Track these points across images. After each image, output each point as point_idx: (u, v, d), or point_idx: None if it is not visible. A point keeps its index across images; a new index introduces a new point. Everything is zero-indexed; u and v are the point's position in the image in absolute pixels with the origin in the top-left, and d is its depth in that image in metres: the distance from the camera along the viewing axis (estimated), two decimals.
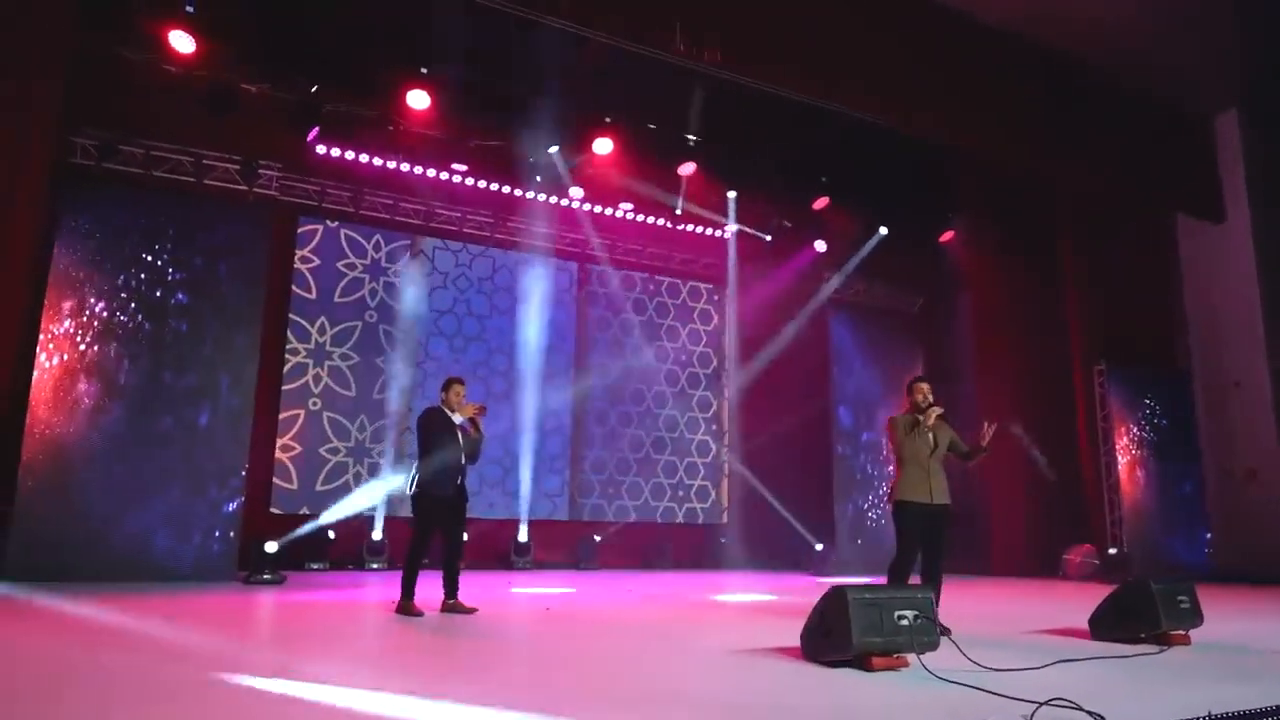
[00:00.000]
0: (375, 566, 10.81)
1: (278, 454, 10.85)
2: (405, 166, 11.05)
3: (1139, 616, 5.32)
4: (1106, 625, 5.53)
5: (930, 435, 5.85)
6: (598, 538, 12.09)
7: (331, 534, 10.52)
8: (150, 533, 8.38)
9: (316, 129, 10.07)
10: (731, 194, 11.46)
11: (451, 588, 6.39)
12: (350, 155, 10.86)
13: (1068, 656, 4.62)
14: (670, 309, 13.78)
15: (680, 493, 13.39)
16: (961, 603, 8.38)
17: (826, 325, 12.75)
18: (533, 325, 12.39)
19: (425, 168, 11.06)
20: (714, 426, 13.79)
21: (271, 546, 8.78)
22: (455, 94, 9.50)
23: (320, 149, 10.79)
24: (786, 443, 13.26)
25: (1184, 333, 12.65)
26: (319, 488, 11.01)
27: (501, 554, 11.78)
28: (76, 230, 8.38)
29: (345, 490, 11.10)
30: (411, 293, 11.72)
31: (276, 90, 9.52)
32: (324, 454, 11.20)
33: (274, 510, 10.71)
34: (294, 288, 11.12)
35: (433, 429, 6.34)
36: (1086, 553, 11.50)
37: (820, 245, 13.06)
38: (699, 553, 13.07)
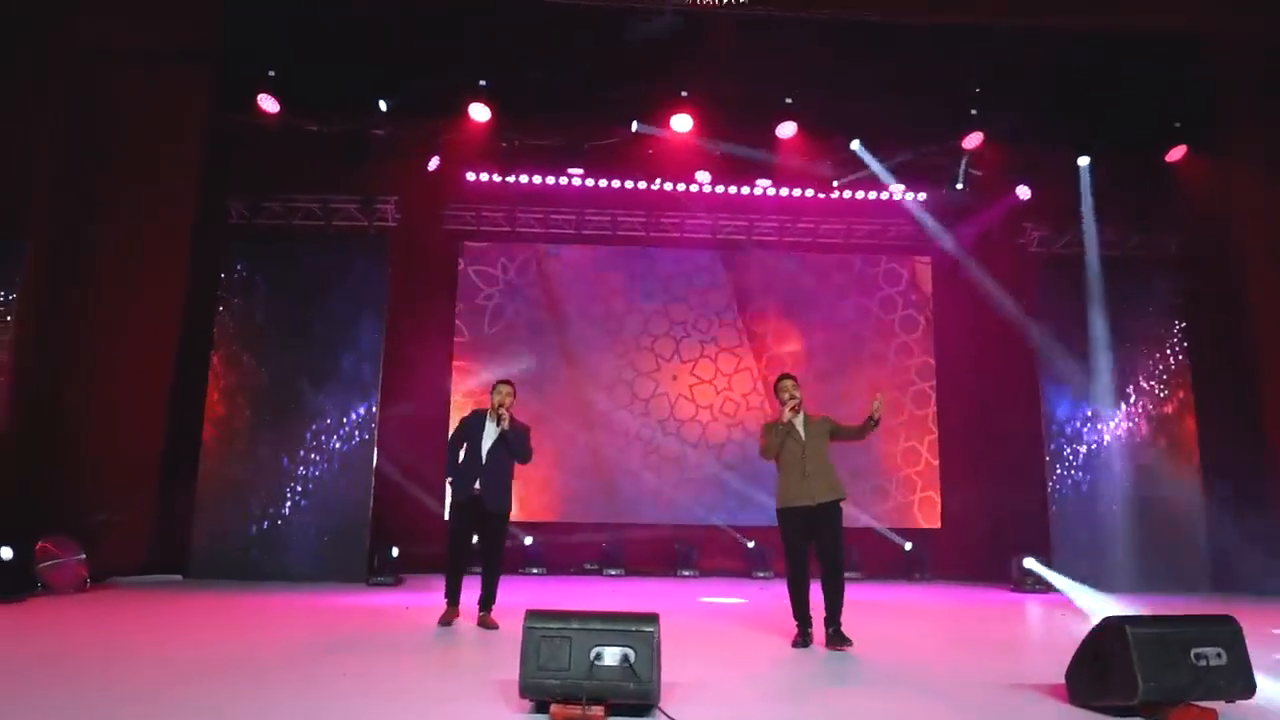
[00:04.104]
0: (535, 572, 11.06)
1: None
2: (549, 180, 11.31)
3: (1115, 677, 3.54)
4: (1083, 685, 3.78)
5: (800, 433, 5.55)
6: (750, 543, 11.17)
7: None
8: (293, 537, 9.52)
9: (437, 158, 10.72)
10: (856, 143, 9.81)
11: (484, 600, 6.16)
12: (498, 178, 11.44)
13: None
14: (852, 288, 12.29)
15: (879, 495, 11.83)
16: (1042, 625, 6.39)
17: (1033, 291, 10.44)
18: (701, 316, 12.00)
19: (546, 176, 11.20)
20: (918, 421, 11.98)
21: (394, 551, 9.49)
22: (543, 98, 9.52)
23: (470, 175, 11.51)
24: (995, 437, 11.21)
25: None
26: (535, 501, 11.46)
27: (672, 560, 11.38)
28: (238, 277, 9.90)
29: (562, 494, 11.53)
30: (562, 295, 11.94)
31: (403, 129, 10.37)
32: (528, 470, 11.66)
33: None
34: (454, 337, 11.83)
35: (455, 433, 6.31)
36: None
37: (1023, 191, 10.75)
38: (897, 564, 11.39)
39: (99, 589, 7.86)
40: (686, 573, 11.14)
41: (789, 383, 5.64)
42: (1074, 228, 10.35)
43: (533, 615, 3.39)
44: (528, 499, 11.49)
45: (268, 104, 9.11)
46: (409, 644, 5.44)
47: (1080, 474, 9.99)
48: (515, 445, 6.10)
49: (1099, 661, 3.64)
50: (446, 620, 6.08)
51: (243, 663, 4.54)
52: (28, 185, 7.61)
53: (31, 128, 7.71)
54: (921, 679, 4.54)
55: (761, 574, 11.06)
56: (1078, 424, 10.09)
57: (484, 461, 6.02)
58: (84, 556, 7.71)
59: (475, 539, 6.27)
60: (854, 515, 11.65)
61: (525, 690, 3.30)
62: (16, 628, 5.69)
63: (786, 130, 9.47)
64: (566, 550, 11.38)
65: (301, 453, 9.67)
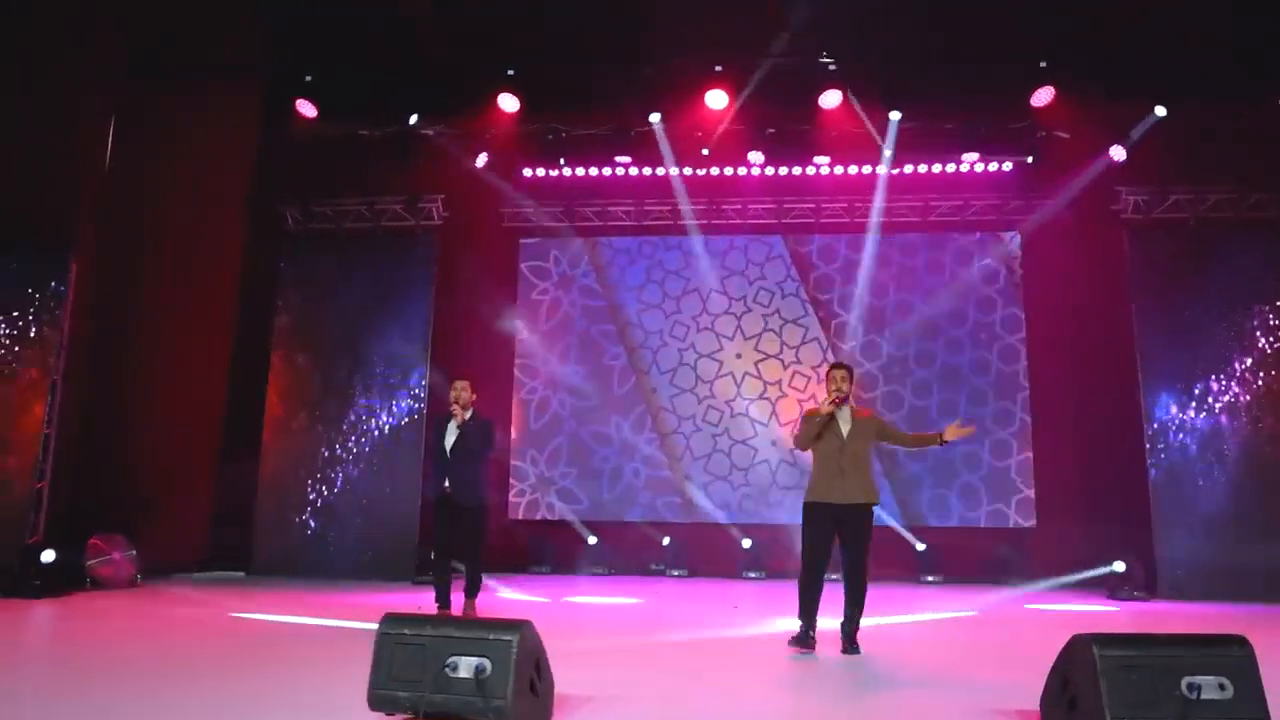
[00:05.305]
0: (598, 572, 10.81)
1: (560, 482, 11.28)
2: (593, 171, 11.09)
3: (1083, 708, 2.88)
4: (1055, 716, 3.10)
5: (841, 428, 5.24)
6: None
7: (531, 538, 10.87)
8: (348, 536, 9.64)
9: (485, 154, 10.65)
10: (895, 115, 8.99)
11: (468, 591, 6.30)
12: (554, 173, 11.30)
13: None
14: (931, 265, 11.34)
15: (965, 491, 10.87)
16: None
17: (1128, 261, 9.30)
18: (761, 290, 11.47)
19: (602, 168, 10.94)
20: (1009, 408, 10.92)
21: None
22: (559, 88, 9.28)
23: (526, 171, 11.41)
24: (1094, 425, 10.08)
25: None
26: (606, 496, 11.25)
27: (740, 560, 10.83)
28: (293, 281, 10.19)
29: (633, 489, 11.22)
30: (616, 283, 11.66)
31: (450, 127, 10.41)
32: (597, 465, 11.52)
33: (522, 517, 11.37)
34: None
35: (431, 438, 6.61)
36: None
37: (1117, 152, 9.62)
38: (985, 567, 10.41)
39: (154, 586, 8.12)
40: (753, 574, 10.59)
41: (838, 374, 5.32)
42: (1177, 189, 9.14)
43: (390, 619, 3.08)
44: (595, 495, 11.25)
45: (308, 109, 9.28)
46: (360, 642, 5.25)
47: (1188, 463, 8.77)
48: (473, 440, 6.21)
49: (1068, 689, 2.98)
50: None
51: (159, 660, 4.48)
52: (76, 193, 7.96)
53: (82, 138, 8.06)
54: (899, 698, 3.98)
55: (834, 576, 10.34)
56: (1185, 404, 8.86)
57: (450, 459, 6.15)
58: (134, 553, 8.00)
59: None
60: (936, 513, 10.78)
61: (374, 702, 2.99)
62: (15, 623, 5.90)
63: (831, 99, 8.78)
64: (631, 550, 11.03)
65: (354, 450, 9.78)
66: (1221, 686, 2.77)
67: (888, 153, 9.35)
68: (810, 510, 5.24)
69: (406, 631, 3.02)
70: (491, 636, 2.95)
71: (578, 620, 6.69)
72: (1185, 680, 2.78)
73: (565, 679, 3.76)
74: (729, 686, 4.23)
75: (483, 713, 2.88)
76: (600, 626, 6.40)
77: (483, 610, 6.27)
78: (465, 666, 2.93)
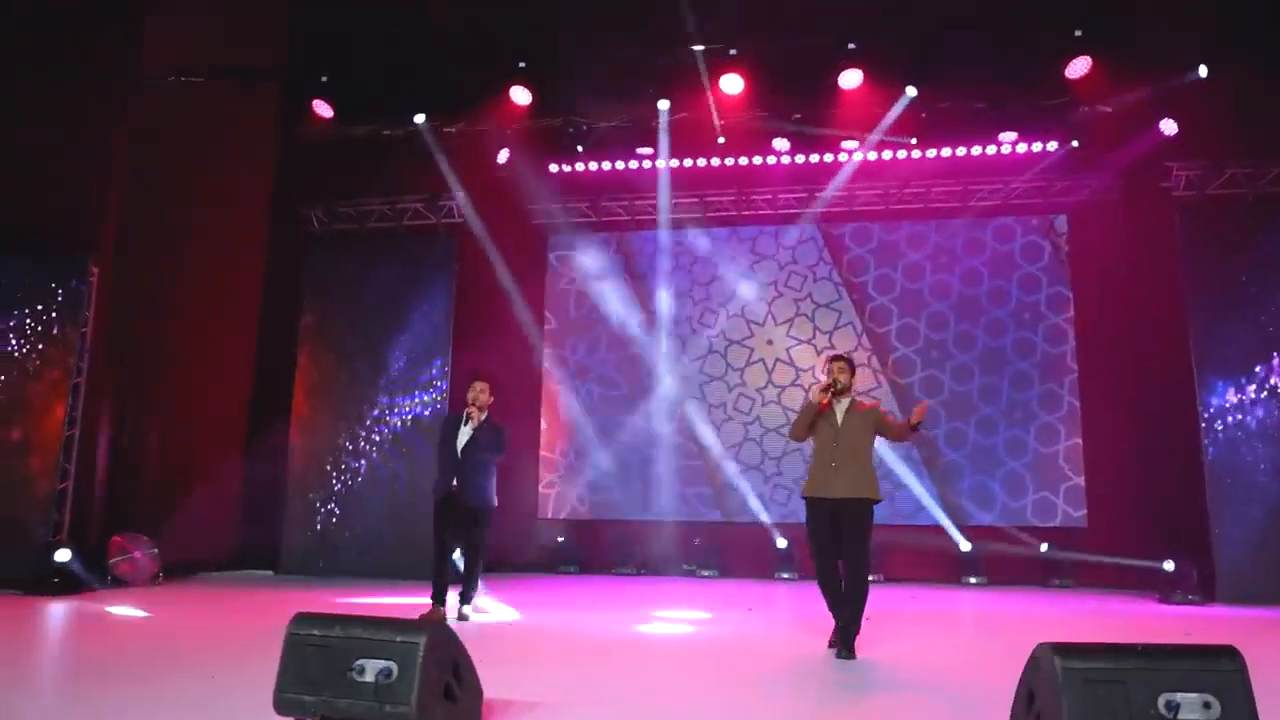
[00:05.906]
0: (626, 571, 10.61)
1: (588, 473, 11.22)
2: (622, 165, 10.89)
3: None
4: None
5: (836, 419, 5.06)
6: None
7: (561, 539, 10.78)
8: (374, 535, 9.61)
9: (507, 150, 10.55)
10: (910, 90, 8.48)
11: (463, 594, 6.28)
12: (580, 166, 11.15)
13: None
14: (972, 249, 10.85)
15: (1012, 484, 10.34)
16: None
17: (1179, 241, 8.68)
18: (793, 274, 11.20)
19: (629, 161, 10.75)
20: (1056, 397, 10.35)
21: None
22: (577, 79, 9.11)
23: (552, 167, 11.27)
24: (1148, 417, 9.48)
25: None
26: (636, 486, 11.09)
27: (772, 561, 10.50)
28: (319, 281, 10.23)
29: (663, 479, 11.03)
30: (645, 270, 11.52)
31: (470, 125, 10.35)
32: (626, 456, 11.35)
33: (550, 515, 11.27)
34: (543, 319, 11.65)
35: (439, 435, 6.52)
36: None
37: (1168, 126, 9.00)
38: (1033, 567, 9.88)
39: (177, 585, 8.19)
40: (786, 575, 10.26)
41: (836, 365, 5.19)
42: (1232, 164, 8.50)
43: (300, 619, 2.92)
44: (624, 486, 11.06)
45: (324, 110, 9.31)
46: None
47: (1248, 449, 8.10)
48: (485, 444, 6.14)
49: (1033, 705, 2.65)
50: (432, 616, 5.87)
51: (96, 661, 4.44)
52: (97, 192, 8.07)
53: (102, 138, 8.17)
54: (879, 704, 3.66)
55: (869, 577, 9.94)
56: (1243, 386, 8.20)
57: (460, 459, 6.07)
58: (156, 551, 8.09)
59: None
60: (978, 503, 10.29)
61: (279, 706, 2.83)
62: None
63: (852, 80, 8.37)
64: (660, 549, 10.79)
65: (379, 447, 9.76)
66: (1206, 705, 2.42)
67: (885, 125, 8.86)
68: (808, 506, 5.08)
69: (315, 632, 2.85)
70: (399, 639, 2.77)
71: (571, 620, 6.49)
72: (1163, 698, 2.43)
73: (527, 685, 3.60)
74: (701, 690, 3.97)
75: (386, 719, 2.70)
76: (590, 627, 6.18)
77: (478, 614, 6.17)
78: (371, 670, 2.75)
